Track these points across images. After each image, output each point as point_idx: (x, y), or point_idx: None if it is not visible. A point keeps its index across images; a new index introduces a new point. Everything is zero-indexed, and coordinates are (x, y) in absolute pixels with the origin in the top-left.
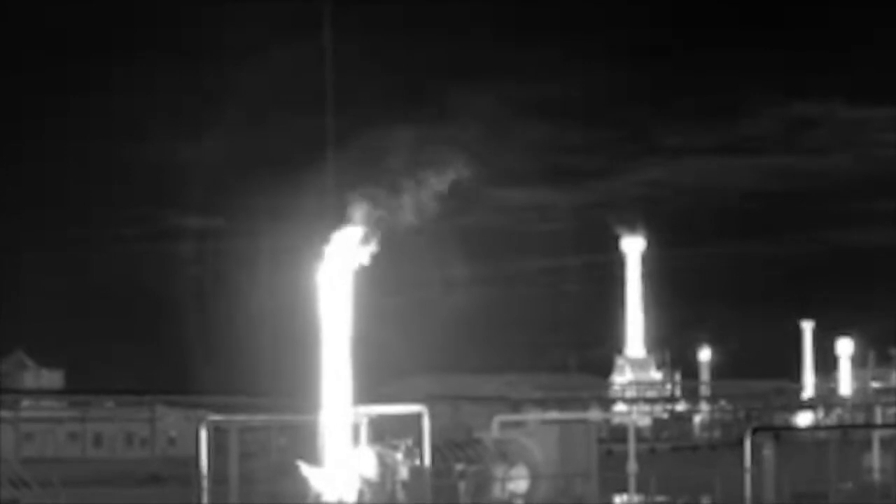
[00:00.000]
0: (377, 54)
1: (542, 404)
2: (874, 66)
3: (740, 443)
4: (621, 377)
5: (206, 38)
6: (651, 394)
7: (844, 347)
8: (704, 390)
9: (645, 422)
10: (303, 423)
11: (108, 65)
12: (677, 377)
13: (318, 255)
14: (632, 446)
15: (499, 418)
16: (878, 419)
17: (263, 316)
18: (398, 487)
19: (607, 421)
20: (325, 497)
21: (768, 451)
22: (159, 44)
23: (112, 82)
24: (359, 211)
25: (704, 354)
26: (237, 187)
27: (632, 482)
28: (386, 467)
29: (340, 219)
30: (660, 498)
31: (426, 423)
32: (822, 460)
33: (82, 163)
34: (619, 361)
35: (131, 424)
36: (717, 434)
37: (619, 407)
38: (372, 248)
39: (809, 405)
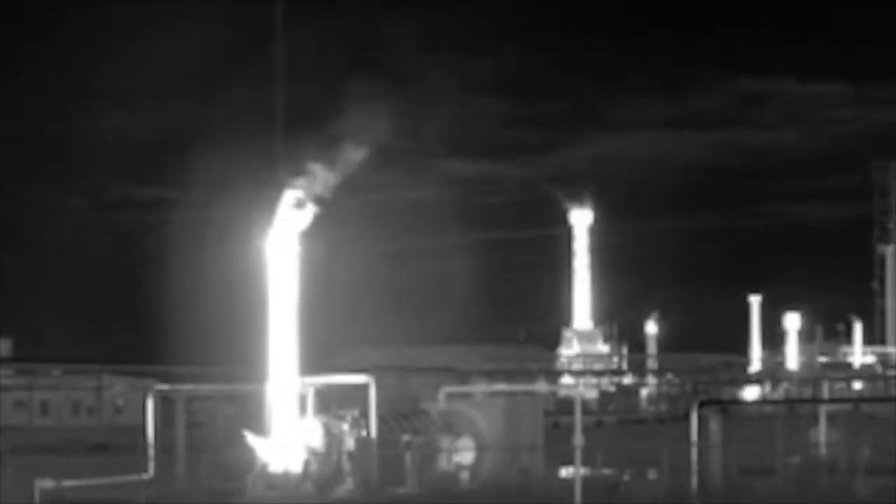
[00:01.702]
0: (326, 26)
1: (490, 376)
2: (825, 41)
3: (687, 416)
4: (568, 350)
5: (152, 8)
6: (598, 367)
7: (792, 322)
8: (651, 364)
9: (592, 394)
10: (250, 392)
11: (41, 40)
12: (624, 350)
13: (265, 226)
14: (578, 419)
15: (445, 390)
16: (825, 394)
17: (211, 286)
18: (344, 458)
19: (554, 393)
20: (272, 467)
21: (715, 425)
22: (102, 12)
23: (51, 54)
24: (306, 182)
25: (652, 328)
26: (184, 158)
27: (578, 455)
28: (332, 438)
29: (288, 190)
30: (606, 471)
31: (373, 394)
32: (769, 434)
33: (32, 136)
34: (567, 334)
35: (78, 393)
36: (663, 407)
37: (566, 379)
38: (319, 218)
39: (756, 379)
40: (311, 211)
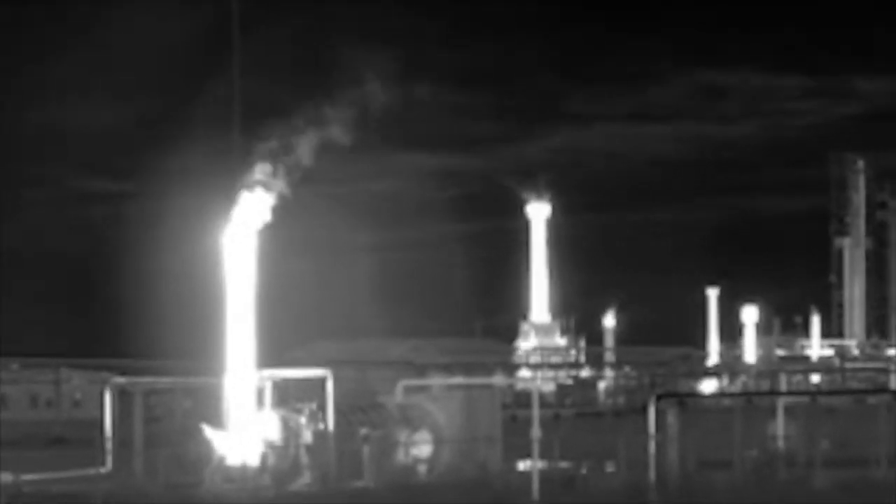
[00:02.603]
0: (285, 17)
1: (447, 369)
2: (785, 34)
3: (644, 409)
4: (526, 343)
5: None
6: (556, 360)
7: (750, 315)
8: (609, 356)
9: (549, 387)
10: (207, 386)
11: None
12: (582, 343)
13: (223, 217)
14: (536, 412)
15: (403, 383)
16: (783, 386)
17: (169, 279)
18: (302, 451)
19: (511, 386)
20: (229, 460)
21: (672, 418)
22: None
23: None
24: (265, 173)
25: (609, 321)
26: (143, 149)
27: (535, 448)
28: (290, 431)
29: (246, 181)
30: (563, 464)
31: (330, 388)
32: (727, 427)
33: None
34: (524, 327)
35: (36, 386)
36: (621, 400)
37: (524, 372)
38: (277, 211)
39: (714, 372)
40: (269, 204)
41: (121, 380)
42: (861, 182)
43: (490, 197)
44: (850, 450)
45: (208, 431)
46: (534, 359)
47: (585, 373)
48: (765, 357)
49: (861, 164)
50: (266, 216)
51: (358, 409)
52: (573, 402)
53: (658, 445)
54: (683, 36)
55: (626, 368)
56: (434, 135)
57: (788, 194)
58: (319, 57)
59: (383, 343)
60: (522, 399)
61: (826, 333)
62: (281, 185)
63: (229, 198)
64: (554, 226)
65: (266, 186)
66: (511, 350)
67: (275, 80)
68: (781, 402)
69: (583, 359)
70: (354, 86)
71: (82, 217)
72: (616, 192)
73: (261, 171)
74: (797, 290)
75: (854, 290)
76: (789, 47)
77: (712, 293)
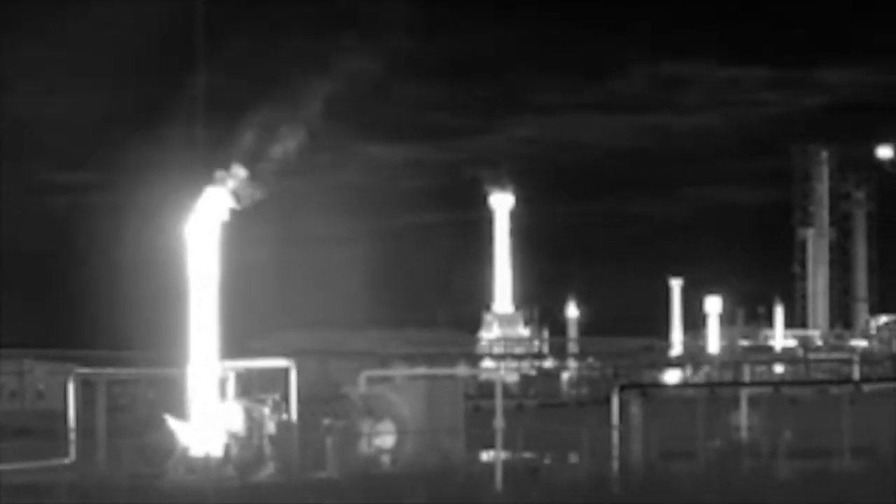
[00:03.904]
0: (248, 9)
1: (410, 360)
2: (748, 25)
3: (608, 400)
4: (489, 333)
5: None
6: (519, 350)
7: (713, 305)
8: (572, 347)
9: (512, 378)
10: (171, 376)
11: None
12: (545, 334)
13: (186, 209)
14: (499, 402)
15: (366, 373)
16: (746, 377)
17: (133, 270)
18: (265, 442)
19: (475, 377)
20: (192, 451)
21: (636, 409)
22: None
23: None
24: (227, 166)
25: (573, 311)
26: (106, 141)
27: (499, 438)
28: (253, 421)
29: (209, 173)
30: (527, 454)
31: (293, 378)
32: (690, 418)
33: None
34: (488, 317)
35: None
36: (584, 391)
37: (487, 363)
38: (241, 202)
39: (677, 363)
40: (232, 196)
41: (84, 370)
42: (825, 173)
43: (454, 188)
44: (814, 441)
45: (172, 422)
46: (497, 349)
47: (549, 363)
48: (728, 347)
49: (825, 155)
50: (230, 208)
51: (321, 399)
52: (536, 392)
53: (621, 436)
54: (647, 27)
55: (590, 359)
56: (398, 126)
57: (752, 185)
58: (284, 49)
59: (347, 334)
60: (486, 390)
61: (790, 324)
62: (246, 178)
63: (193, 190)
64: (518, 216)
65: (229, 178)
66: (474, 341)
67: (239, 73)
68: (745, 393)
69: (546, 349)
70: (319, 77)
71: (45, 208)
72: (580, 184)
73: (224, 163)
74: (761, 281)
75: (818, 281)
76: (753, 39)
77: (675, 284)
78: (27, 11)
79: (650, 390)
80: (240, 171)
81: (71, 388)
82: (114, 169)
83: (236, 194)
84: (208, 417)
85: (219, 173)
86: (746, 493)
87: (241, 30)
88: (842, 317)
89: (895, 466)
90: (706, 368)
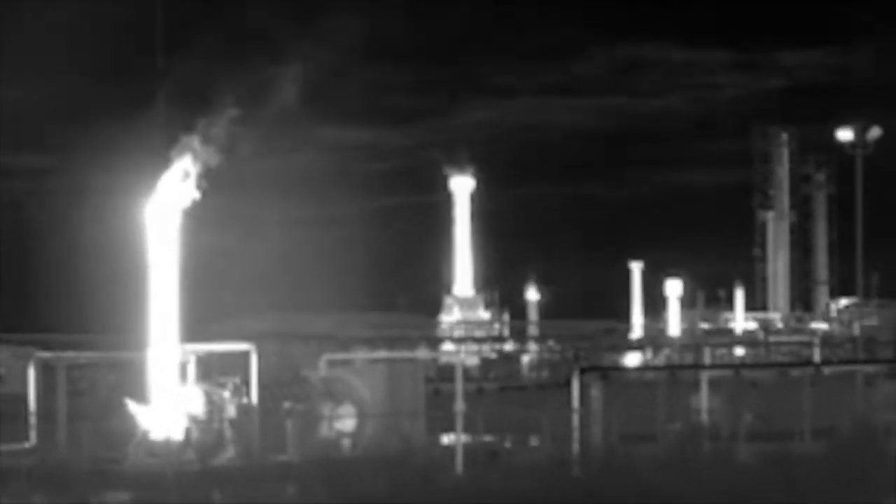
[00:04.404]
0: None
1: (371, 343)
2: (707, 7)
3: (568, 383)
4: (449, 317)
5: None
6: (479, 333)
7: (673, 288)
8: (533, 330)
9: (473, 361)
10: (131, 360)
11: None
12: (506, 317)
13: (146, 192)
14: (459, 385)
15: (326, 357)
16: (707, 360)
17: (93, 253)
18: (226, 425)
19: (435, 360)
20: (153, 434)
21: (596, 392)
22: None
23: None
24: (187, 148)
25: (533, 294)
26: (66, 125)
27: (459, 421)
28: (213, 405)
29: (169, 156)
30: (487, 437)
31: (254, 362)
32: (651, 401)
33: None
34: (448, 301)
35: None
36: (545, 374)
37: (447, 346)
38: (201, 185)
39: (638, 346)
40: (193, 180)
41: (45, 354)
42: (785, 155)
43: (414, 171)
44: (774, 423)
45: (132, 406)
46: (458, 333)
47: (509, 346)
48: (688, 330)
49: (785, 137)
50: (190, 192)
51: (282, 383)
52: (497, 375)
53: (582, 419)
54: (606, 9)
55: (550, 342)
56: (357, 109)
57: (712, 168)
58: (242, 32)
59: (307, 317)
60: (446, 373)
61: (750, 307)
62: (205, 160)
63: (153, 174)
64: (478, 200)
65: (190, 162)
66: (435, 324)
67: (198, 56)
68: (705, 376)
69: (506, 332)
70: (278, 60)
71: (3, 192)
72: (540, 166)
73: (185, 147)
74: (721, 264)
75: (778, 264)
76: (712, 21)
77: (636, 266)
78: None
79: (611, 373)
80: (197, 144)
81: (31, 371)
82: (74, 152)
83: (194, 165)
84: (169, 401)
85: (178, 152)
86: (706, 475)
87: (199, 13)
88: (802, 299)
89: (854, 448)
90: (666, 351)
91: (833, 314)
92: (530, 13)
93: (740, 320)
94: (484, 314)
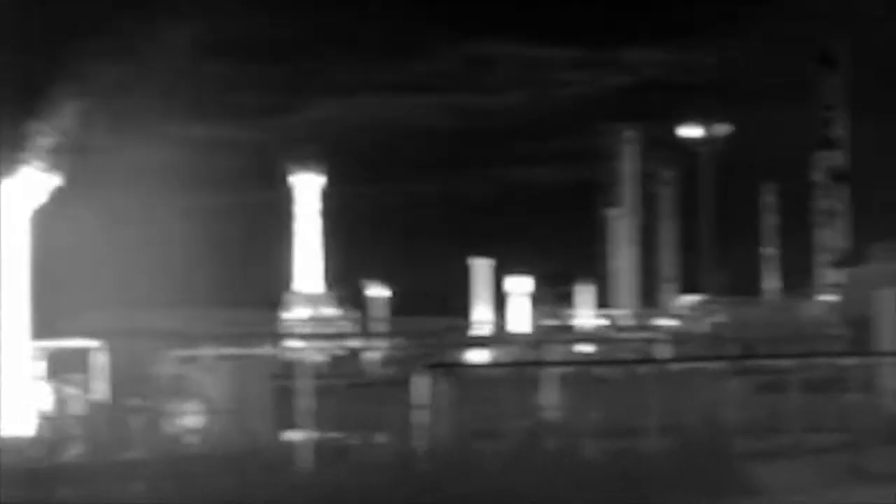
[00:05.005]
0: None
1: (218, 340)
2: (551, 4)
3: (415, 380)
4: (297, 313)
5: None
6: (327, 330)
7: (519, 285)
8: (380, 327)
9: (320, 358)
10: None
11: None
12: (353, 314)
13: None
14: (306, 382)
15: (174, 353)
16: (553, 357)
17: None
18: (74, 422)
19: (282, 357)
20: (1, 431)
21: (442, 388)
22: None
23: None
24: (37, 143)
25: (380, 291)
26: None
27: (306, 418)
28: (62, 402)
29: (18, 151)
30: (334, 434)
31: (103, 358)
32: (497, 397)
33: None
34: (293, 297)
35: None
36: (391, 371)
37: (295, 343)
38: (49, 181)
39: (483, 342)
40: (41, 178)
41: None
42: (630, 152)
43: (260, 168)
44: (619, 419)
45: None
46: (305, 329)
47: (357, 343)
48: (535, 327)
49: (629, 134)
50: (39, 190)
51: (130, 379)
52: (344, 372)
53: (429, 415)
54: (450, 6)
55: (398, 339)
56: (200, 105)
57: (558, 165)
58: (84, 27)
59: (156, 313)
60: (293, 369)
61: (597, 304)
62: (52, 157)
63: (2, 168)
64: (324, 197)
65: (37, 159)
66: (282, 320)
67: (37, 52)
68: (552, 373)
69: (353, 329)
70: (120, 54)
71: None
72: (384, 164)
73: (31, 143)
74: (567, 261)
75: (624, 261)
76: (558, 19)
77: (480, 263)
78: None
79: (457, 369)
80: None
81: None
82: None
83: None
84: (18, 398)
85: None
86: (550, 471)
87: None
88: (648, 296)
89: (697, 443)
90: (513, 348)
91: (678, 311)
92: (374, 10)
93: (586, 317)
94: (331, 310)
